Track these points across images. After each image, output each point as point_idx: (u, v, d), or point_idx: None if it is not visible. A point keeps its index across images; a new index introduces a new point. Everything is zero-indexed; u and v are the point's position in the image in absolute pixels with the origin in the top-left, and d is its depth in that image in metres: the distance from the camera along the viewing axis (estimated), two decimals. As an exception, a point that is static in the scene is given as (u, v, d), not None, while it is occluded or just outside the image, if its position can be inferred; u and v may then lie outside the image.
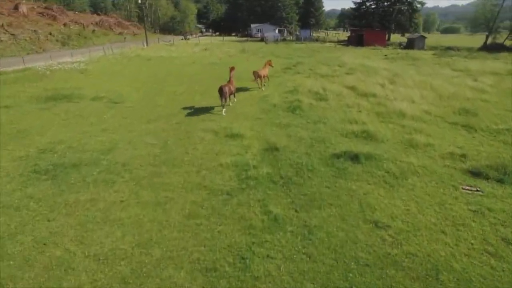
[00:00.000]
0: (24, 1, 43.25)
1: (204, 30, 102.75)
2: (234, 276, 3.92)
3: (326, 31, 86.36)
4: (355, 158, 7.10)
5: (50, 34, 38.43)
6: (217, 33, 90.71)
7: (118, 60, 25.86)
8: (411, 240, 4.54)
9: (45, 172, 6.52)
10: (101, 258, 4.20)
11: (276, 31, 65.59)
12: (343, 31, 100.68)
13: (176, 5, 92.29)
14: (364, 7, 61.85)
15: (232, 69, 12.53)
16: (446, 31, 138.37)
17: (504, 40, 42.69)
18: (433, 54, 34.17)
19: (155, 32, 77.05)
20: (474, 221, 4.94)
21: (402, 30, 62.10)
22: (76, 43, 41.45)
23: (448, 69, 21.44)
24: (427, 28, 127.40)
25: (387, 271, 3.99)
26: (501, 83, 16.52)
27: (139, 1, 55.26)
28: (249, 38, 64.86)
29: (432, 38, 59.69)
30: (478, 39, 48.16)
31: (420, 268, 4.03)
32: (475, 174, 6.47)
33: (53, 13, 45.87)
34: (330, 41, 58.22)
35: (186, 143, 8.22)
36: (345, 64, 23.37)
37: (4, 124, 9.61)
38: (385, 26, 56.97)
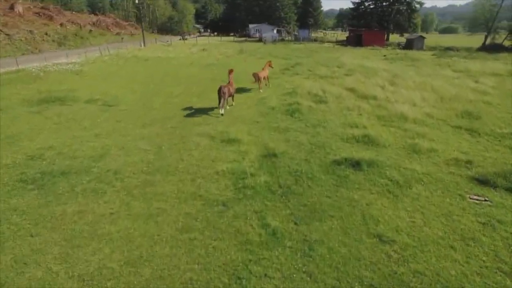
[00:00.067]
0: (20, 1, 42.73)
1: (202, 30, 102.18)
2: (229, 299, 3.63)
3: (324, 31, 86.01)
4: (356, 165, 6.81)
5: (46, 34, 38.01)
6: (215, 33, 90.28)
7: (115, 61, 25.47)
8: (418, 257, 4.26)
9: (32, 181, 6.21)
10: (86, 279, 3.90)
11: (275, 31, 65.17)
12: (342, 31, 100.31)
13: (174, 5, 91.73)
14: (362, 7, 61.51)
15: (230, 71, 12.28)
16: (444, 31, 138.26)
17: (503, 41, 42.51)
18: (433, 55, 33.91)
19: (152, 32, 76.59)
20: (484, 235, 4.66)
21: (400, 30, 61.84)
22: (73, 44, 41.04)
23: (448, 70, 21.19)
24: (425, 28, 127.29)
25: (394, 293, 3.70)
26: (502, 84, 16.30)
27: (137, 1, 54.83)
28: (247, 38, 64.59)
29: (431, 38, 59.41)
30: (477, 39, 47.94)
31: (429, 289, 3.75)
32: (482, 182, 6.19)
33: (49, 13, 45.40)
34: (328, 41, 58.02)
35: (181, 149, 7.92)
36: (344, 64, 23.09)
37: (-7, 128, 9.28)
38: (383, 26, 56.70)
